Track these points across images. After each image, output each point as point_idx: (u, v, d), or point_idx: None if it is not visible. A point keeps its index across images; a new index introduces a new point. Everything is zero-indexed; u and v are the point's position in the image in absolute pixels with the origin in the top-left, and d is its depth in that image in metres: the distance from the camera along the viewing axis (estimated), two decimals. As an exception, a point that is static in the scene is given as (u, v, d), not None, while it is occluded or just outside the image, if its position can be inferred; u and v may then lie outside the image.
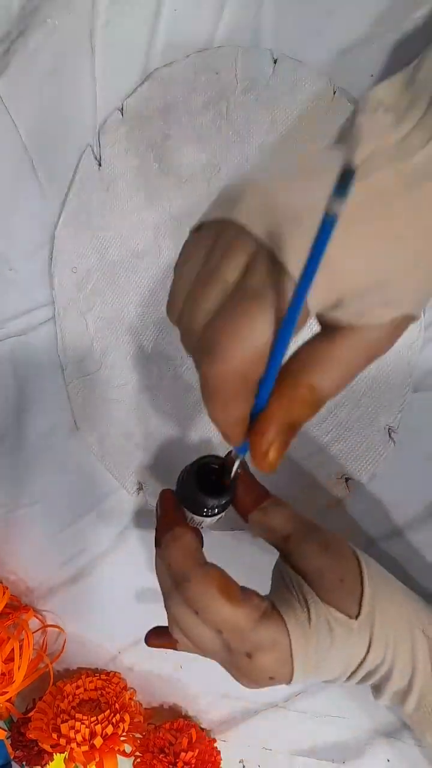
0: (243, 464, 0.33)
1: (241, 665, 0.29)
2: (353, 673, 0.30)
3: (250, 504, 0.33)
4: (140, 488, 0.45)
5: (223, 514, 0.32)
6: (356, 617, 0.29)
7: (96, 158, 0.40)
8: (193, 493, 0.31)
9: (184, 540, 0.31)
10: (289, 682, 0.29)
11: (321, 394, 0.23)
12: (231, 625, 0.28)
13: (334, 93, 0.35)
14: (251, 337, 0.20)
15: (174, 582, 0.29)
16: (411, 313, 0.22)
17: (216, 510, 0.31)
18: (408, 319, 0.23)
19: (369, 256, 0.20)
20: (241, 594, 0.29)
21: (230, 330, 0.20)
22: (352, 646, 0.29)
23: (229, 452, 0.29)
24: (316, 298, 0.20)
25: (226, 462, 0.30)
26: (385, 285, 0.21)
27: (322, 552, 0.31)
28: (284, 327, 0.20)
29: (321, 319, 0.23)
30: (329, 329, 0.23)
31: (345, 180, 0.16)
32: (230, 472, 0.30)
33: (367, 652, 0.29)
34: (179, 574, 0.29)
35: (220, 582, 0.29)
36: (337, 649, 0.29)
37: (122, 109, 0.39)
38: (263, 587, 0.33)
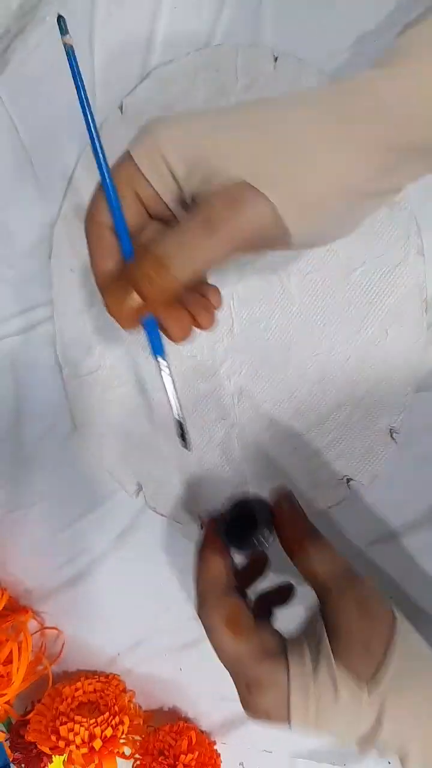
0: (290, 496, 0.35)
1: (242, 694, 0.30)
2: (365, 741, 0.29)
3: (293, 541, 0.33)
4: (139, 489, 0.45)
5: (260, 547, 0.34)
6: (367, 686, 0.28)
7: (95, 157, 0.40)
8: (224, 534, 0.34)
9: (211, 565, 0.33)
10: (287, 726, 0.29)
11: (160, 245, 0.25)
12: (232, 657, 0.30)
13: (335, 91, 0.35)
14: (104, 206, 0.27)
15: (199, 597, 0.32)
16: (244, 183, 0.24)
17: (245, 549, 0.34)
18: (243, 192, 0.24)
19: (193, 138, 0.25)
20: (250, 629, 0.31)
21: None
22: (359, 713, 0.28)
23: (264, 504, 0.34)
24: (168, 171, 0.25)
25: (259, 508, 0.34)
26: (206, 158, 0.24)
27: (356, 611, 0.30)
28: (101, 176, 0.26)
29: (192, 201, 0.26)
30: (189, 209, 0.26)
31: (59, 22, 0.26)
32: (263, 528, 0.34)
33: (378, 725, 0.28)
34: (200, 595, 0.32)
35: (230, 613, 0.31)
36: (343, 710, 0.28)
37: (122, 107, 0.39)
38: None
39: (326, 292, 0.37)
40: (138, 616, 0.48)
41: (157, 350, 0.28)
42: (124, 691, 0.49)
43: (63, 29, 0.26)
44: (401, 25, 0.33)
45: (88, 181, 0.40)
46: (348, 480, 0.40)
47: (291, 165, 0.24)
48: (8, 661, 0.47)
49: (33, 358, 0.45)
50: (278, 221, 0.24)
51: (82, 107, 0.27)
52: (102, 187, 0.26)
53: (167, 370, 0.29)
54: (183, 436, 0.32)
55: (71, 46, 0.26)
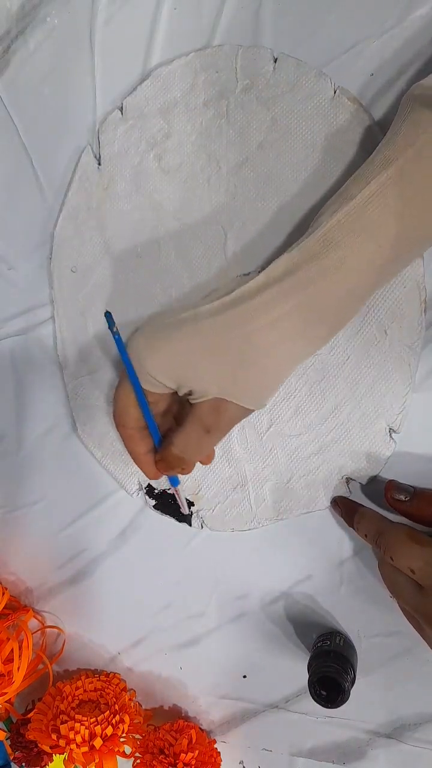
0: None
1: None
2: None
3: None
4: (140, 489, 0.45)
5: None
6: None
7: (95, 157, 0.40)
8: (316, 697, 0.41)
9: (370, 514, 0.39)
10: None
11: (176, 445, 0.36)
12: (422, 561, 0.34)
13: (335, 92, 0.35)
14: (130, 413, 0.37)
15: (373, 540, 0.37)
16: (219, 397, 0.33)
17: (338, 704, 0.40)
18: (220, 402, 0.34)
19: (171, 364, 0.33)
20: (428, 537, 0.35)
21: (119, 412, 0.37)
22: None
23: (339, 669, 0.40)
24: (160, 383, 0.34)
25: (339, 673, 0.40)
26: (186, 380, 0.33)
27: None
28: (139, 397, 0.36)
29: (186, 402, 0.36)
30: (189, 408, 0.35)
31: (107, 317, 0.36)
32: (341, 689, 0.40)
33: None
34: (376, 532, 0.37)
35: (408, 530, 0.36)
36: None
37: (122, 107, 0.39)
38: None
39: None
40: (138, 615, 0.48)
41: (174, 482, 0.40)
42: (125, 689, 0.49)
43: (111, 323, 0.36)
44: (400, 27, 0.33)
45: (88, 182, 0.40)
46: (348, 479, 0.40)
47: (253, 373, 0.33)
48: (9, 659, 0.47)
49: (34, 358, 0.45)
50: (248, 411, 0.35)
51: (136, 387, 0.35)
52: (121, 399, 0.36)
53: (182, 493, 0.42)
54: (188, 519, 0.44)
55: (118, 333, 0.36)
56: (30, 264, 0.44)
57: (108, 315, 0.35)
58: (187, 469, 0.38)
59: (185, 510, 0.43)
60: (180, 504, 0.42)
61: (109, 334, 0.36)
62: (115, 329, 0.35)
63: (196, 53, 0.37)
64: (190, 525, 0.44)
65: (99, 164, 0.40)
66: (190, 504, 0.44)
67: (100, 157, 0.40)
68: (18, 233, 0.43)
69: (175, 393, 0.35)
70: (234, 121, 0.37)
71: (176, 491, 0.41)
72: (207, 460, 0.40)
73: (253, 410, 0.35)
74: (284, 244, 0.37)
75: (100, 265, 0.41)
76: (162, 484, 0.44)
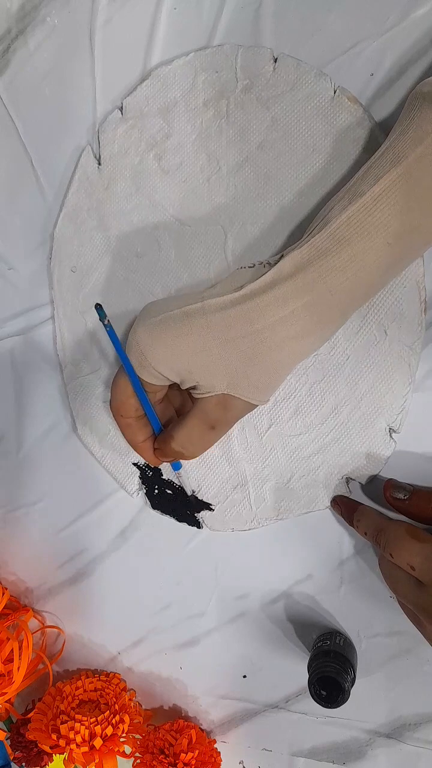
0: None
1: None
2: None
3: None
4: (140, 488, 0.45)
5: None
6: None
7: (95, 157, 0.40)
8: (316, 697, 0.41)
9: (369, 512, 0.39)
10: None
11: (177, 441, 0.36)
12: (421, 557, 0.34)
13: (335, 92, 0.35)
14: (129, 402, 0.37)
15: (373, 537, 0.37)
16: (227, 393, 0.33)
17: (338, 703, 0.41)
18: (228, 398, 0.34)
19: (177, 358, 0.33)
20: (427, 534, 0.35)
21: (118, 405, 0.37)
22: None
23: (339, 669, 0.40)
24: (163, 376, 0.34)
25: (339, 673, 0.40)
26: (193, 375, 0.33)
27: None
28: (136, 388, 0.36)
29: (188, 394, 0.37)
30: (192, 402, 0.36)
31: (98, 310, 0.35)
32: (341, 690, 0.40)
33: None
34: (376, 529, 0.37)
35: (408, 527, 0.35)
36: None
37: (122, 107, 0.39)
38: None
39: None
40: (138, 615, 0.48)
41: (176, 467, 0.41)
42: (125, 689, 0.49)
43: (102, 315, 0.35)
44: (400, 27, 0.33)
45: (88, 182, 0.40)
46: (347, 479, 0.40)
47: (262, 369, 0.33)
48: (9, 659, 0.47)
49: (33, 358, 0.45)
50: (253, 406, 0.35)
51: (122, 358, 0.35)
52: (119, 390, 0.37)
53: (183, 473, 0.42)
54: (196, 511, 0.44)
55: (110, 325, 0.36)
56: (30, 264, 0.44)
57: (98, 307, 0.35)
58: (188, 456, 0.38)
59: (189, 490, 0.43)
60: (183, 485, 0.42)
61: (102, 327, 0.36)
62: (106, 321, 0.35)
63: (196, 53, 0.37)
64: (197, 525, 0.44)
65: (99, 164, 0.40)
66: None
67: (100, 157, 0.40)
68: (18, 233, 0.43)
69: (171, 385, 0.35)
70: (234, 121, 0.37)
71: (178, 475, 0.42)
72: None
73: (257, 405, 0.35)
74: (284, 244, 0.37)
75: (100, 265, 0.41)
76: (167, 472, 0.44)
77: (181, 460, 0.41)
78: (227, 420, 0.35)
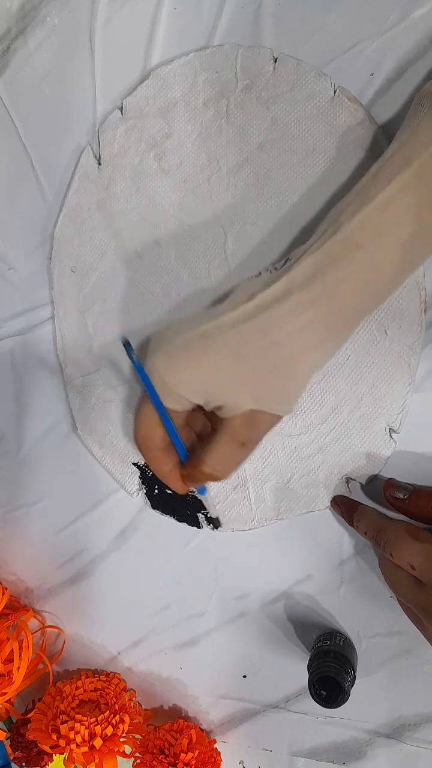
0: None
1: None
2: None
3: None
4: (140, 488, 0.45)
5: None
6: None
7: (95, 157, 0.40)
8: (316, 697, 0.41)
9: (369, 512, 0.39)
10: None
11: (208, 464, 0.35)
12: (421, 556, 0.34)
13: (335, 92, 0.35)
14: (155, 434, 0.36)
15: (373, 537, 0.37)
16: (254, 408, 0.33)
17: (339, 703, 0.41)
18: (255, 414, 0.33)
19: (200, 380, 0.33)
20: (427, 533, 0.35)
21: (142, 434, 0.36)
22: None
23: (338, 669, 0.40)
24: (187, 400, 0.33)
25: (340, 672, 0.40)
26: (217, 395, 0.33)
27: None
28: (163, 418, 0.35)
29: (212, 415, 0.35)
30: (217, 422, 0.35)
31: (126, 346, 0.35)
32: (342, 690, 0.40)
33: None
34: (375, 529, 0.37)
35: (408, 527, 0.35)
36: None
37: (122, 107, 0.39)
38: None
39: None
40: (138, 615, 0.48)
41: (202, 492, 0.40)
42: (125, 689, 0.49)
43: (130, 351, 0.35)
44: (400, 27, 0.33)
45: (88, 182, 0.40)
46: (347, 479, 0.40)
47: (283, 381, 0.33)
48: (9, 659, 0.47)
49: (33, 358, 0.45)
50: (279, 418, 0.34)
51: (158, 408, 0.34)
52: (143, 423, 0.36)
53: (210, 500, 0.43)
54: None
55: (139, 362, 0.34)
56: (30, 264, 0.44)
57: (127, 344, 0.34)
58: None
59: (214, 513, 0.43)
60: (208, 508, 0.43)
61: (123, 351, 0.35)
62: (135, 357, 0.34)
63: (196, 53, 0.37)
64: (197, 525, 0.44)
65: (99, 164, 0.40)
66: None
67: (100, 157, 0.40)
68: (18, 233, 0.43)
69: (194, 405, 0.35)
70: (234, 121, 0.37)
71: (204, 499, 0.42)
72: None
73: (284, 416, 0.35)
74: (284, 244, 0.37)
75: (100, 265, 0.41)
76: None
77: (206, 484, 0.40)
78: (256, 435, 0.34)
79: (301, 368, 0.33)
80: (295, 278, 0.31)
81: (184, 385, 0.33)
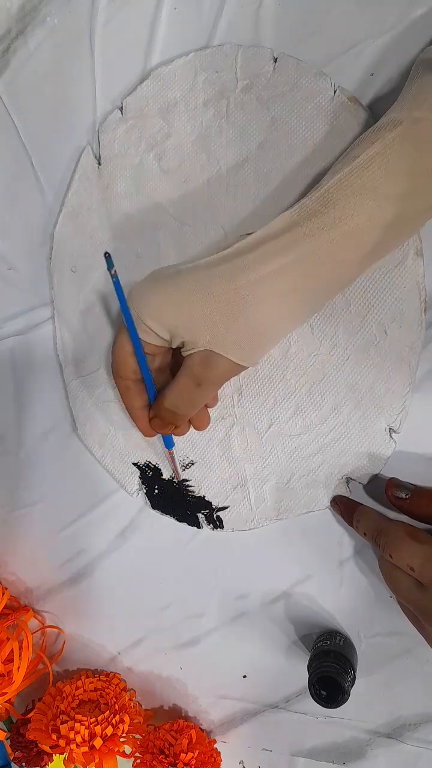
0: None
1: None
2: None
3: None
4: (140, 488, 0.45)
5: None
6: None
7: (95, 157, 0.40)
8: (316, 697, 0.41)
9: (369, 512, 0.39)
10: None
11: (168, 399, 0.36)
12: (421, 558, 0.34)
13: (335, 92, 0.35)
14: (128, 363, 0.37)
15: (372, 538, 0.37)
16: (209, 349, 0.33)
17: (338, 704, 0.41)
18: (212, 355, 0.33)
19: (166, 313, 0.33)
20: (427, 535, 0.35)
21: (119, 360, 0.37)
22: None
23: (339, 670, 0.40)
24: (154, 333, 0.34)
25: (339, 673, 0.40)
26: (179, 330, 0.33)
27: None
28: (136, 346, 0.35)
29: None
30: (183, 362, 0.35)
31: (107, 259, 0.32)
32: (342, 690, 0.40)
33: None
34: (375, 530, 0.37)
35: (407, 528, 0.36)
36: None
37: (122, 107, 0.39)
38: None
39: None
40: (138, 615, 0.48)
41: (169, 445, 0.41)
42: (125, 689, 0.49)
43: (110, 264, 0.33)
44: (400, 27, 0.33)
45: (88, 182, 0.40)
46: (348, 479, 0.40)
47: (243, 327, 0.33)
48: (9, 659, 0.47)
49: (34, 358, 0.45)
50: (239, 366, 0.34)
51: (126, 318, 0.35)
52: (119, 350, 0.36)
53: (174, 456, 0.42)
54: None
55: (116, 276, 0.33)
56: (30, 264, 0.44)
57: (107, 256, 0.33)
58: (180, 428, 0.38)
59: (179, 476, 0.43)
60: (173, 469, 0.43)
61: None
62: (113, 271, 0.33)
63: (196, 53, 0.37)
64: (197, 525, 0.44)
65: (99, 164, 0.40)
66: (187, 466, 0.43)
67: (100, 157, 0.40)
68: (18, 233, 0.43)
69: (172, 349, 0.36)
70: (234, 121, 0.37)
71: (170, 454, 0.42)
72: (201, 424, 0.40)
73: (245, 367, 0.35)
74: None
75: (101, 265, 0.41)
76: (167, 472, 0.44)
77: (174, 437, 0.40)
78: (211, 378, 0.35)
79: (262, 317, 0.32)
80: (270, 229, 0.32)
81: (150, 316, 0.34)
